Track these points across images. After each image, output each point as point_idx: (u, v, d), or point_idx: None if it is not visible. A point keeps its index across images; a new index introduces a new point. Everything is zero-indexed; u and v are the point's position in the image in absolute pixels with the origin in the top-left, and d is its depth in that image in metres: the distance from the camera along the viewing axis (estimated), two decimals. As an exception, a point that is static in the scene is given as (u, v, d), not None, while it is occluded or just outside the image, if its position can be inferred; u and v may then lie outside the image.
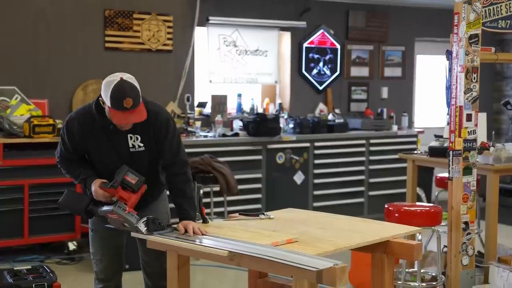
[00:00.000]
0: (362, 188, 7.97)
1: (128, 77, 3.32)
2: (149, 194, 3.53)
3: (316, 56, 8.37)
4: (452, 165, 4.44)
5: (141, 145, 3.44)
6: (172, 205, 3.60)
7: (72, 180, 3.63)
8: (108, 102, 3.25)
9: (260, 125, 7.21)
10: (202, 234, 3.31)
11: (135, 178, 3.39)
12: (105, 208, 3.41)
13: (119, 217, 3.35)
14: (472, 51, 4.40)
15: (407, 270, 4.80)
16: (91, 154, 3.51)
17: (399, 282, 4.63)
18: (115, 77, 3.27)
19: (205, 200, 6.44)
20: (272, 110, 8.09)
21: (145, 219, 3.35)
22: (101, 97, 3.32)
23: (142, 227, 3.33)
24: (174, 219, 3.62)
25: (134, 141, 3.43)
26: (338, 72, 8.53)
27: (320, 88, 8.44)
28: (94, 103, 3.40)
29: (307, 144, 7.57)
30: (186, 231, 3.34)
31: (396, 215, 4.49)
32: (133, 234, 3.38)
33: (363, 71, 8.76)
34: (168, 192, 3.65)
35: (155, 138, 3.44)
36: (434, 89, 9.08)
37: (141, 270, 3.83)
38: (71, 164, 3.56)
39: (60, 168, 3.65)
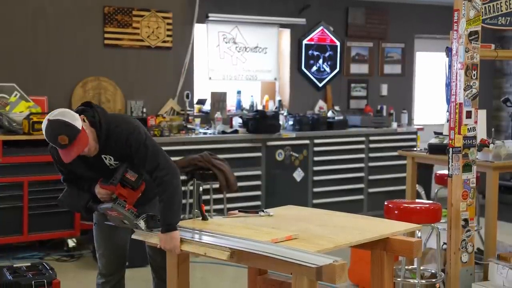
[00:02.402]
0: (361, 185, 7.97)
1: (56, 114, 3.24)
2: (149, 191, 3.52)
3: (315, 53, 8.36)
4: (452, 162, 4.44)
5: (117, 162, 3.44)
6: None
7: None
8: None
9: (260, 122, 7.20)
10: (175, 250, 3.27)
11: (135, 176, 3.39)
12: (104, 205, 3.41)
13: (119, 214, 3.35)
14: (472, 48, 4.40)
15: (406, 267, 4.80)
16: (80, 174, 3.54)
17: (398, 279, 4.63)
18: (44, 121, 3.25)
19: (204, 197, 6.43)
20: (271, 107, 8.08)
21: (145, 216, 3.34)
22: None
23: (142, 224, 3.32)
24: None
25: (109, 160, 3.44)
26: (337, 69, 8.53)
27: (320, 85, 8.43)
28: None
29: (307, 141, 7.56)
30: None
31: (396, 212, 4.49)
32: (134, 236, 3.38)
33: (363, 68, 8.75)
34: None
35: (129, 154, 3.40)
36: (433, 86, 9.07)
37: (141, 267, 3.84)
38: (77, 183, 3.57)
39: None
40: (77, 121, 3.25)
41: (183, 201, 6.43)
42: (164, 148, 3.58)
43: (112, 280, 3.70)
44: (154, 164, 3.36)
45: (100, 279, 3.72)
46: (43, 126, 3.24)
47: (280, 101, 8.18)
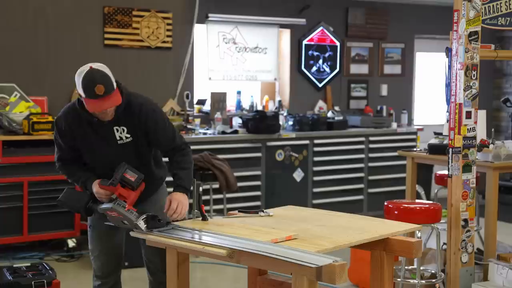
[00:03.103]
0: (361, 186, 7.97)
1: (98, 65, 3.34)
2: (145, 188, 3.51)
3: (315, 53, 8.36)
4: (452, 162, 4.44)
5: (128, 136, 3.45)
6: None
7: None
8: (81, 93, 3.27)
9: (260, 122, 7.20)
10: (178, 216, 3.34)
11: (134, 176, 3.39)
12: (104, 205, 3.41)
13: (119, 215, 3.35)
14: (471, 48, 4.40)
15: (406, 267, 4.81)
16: (82, 151, 3.52)
17: (398, 279, 4.63)
18: (85, 67, 3.31)
19: (204, 197, 6.43)
20: (271, 107, 8.08)
21: (145, 216, 3.34)
22: (77, 91, 3.34)
23: (142, 224, 3.32)
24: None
25: (120, 133, 3.44)
26: (337, 69, 8.53)
27: (320, 85, 8.44)
28: (77, 99, 3.42)
29: (307, 142, 7.56)
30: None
31: (396, 212, 4.49)
32: (132, 233, 3.38)
33: (363, 69, 8.75)
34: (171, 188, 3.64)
35: (145, 129, 3.45)
36: (433, 86, 9.08)
37: (140, 267, 3.83)
38: (71, 167, 3.58)
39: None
40: (114, 80, 3.32)
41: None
42: (164, 148, 3.61)
43: (109, 282, 3.70)
44: (171, 136, 3.49)
45: (97, 281, 3.72)
46: (82, 72, 3.27)
47: (280, 101, 8.18)
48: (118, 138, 3.44)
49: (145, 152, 3.54)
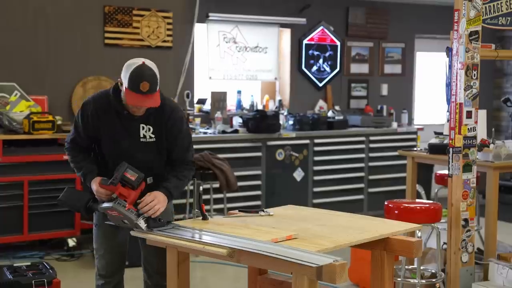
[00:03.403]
0: (361, 185, 7.97)
1: (150, 63, 3.35)
2: (154, 187, 3.51)
3: (316, 53, 8.36)
4: (452, 162, 4.44)
5: (152, 136, 3.48)
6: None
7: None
8: (125, 83, 3.30)
9: (260, 121, 7.20)
10: (150, 211, 3.31)
11: (135, 175, 3.39)
12: (104, 205, 3.40)
13: (119, 214, 3.34)
14: (472, 48, 4.40)
15: (406, 267, 4.80)
16: (102, 139, 3.51)
17: (398, 279, 4.63)
18: (138, 60, 3.33)
19: (204, 196, 6.44)
20: (271, 106, 8.08)
21: (145, 216, 3.34)
22: (120, 78, 3.36)
23: (142, 224, 3.32)
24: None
25: (146, 131, 3.47)
26: (338, 69, 8.53)
27: (320, 85, 8.44)
28: (112, 88, 3.46)
29: (307, 141, 7.56)
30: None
31: (396, 212, 4.49)
32: (133, 233, 3.38)
33: (363, 68, 8.75)
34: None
35: (168, 133, 3.49)
36: (434, 86, 9.08)
37: (141, 267, 3.82)
38: (78, 153, 3.57)
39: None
40: (159, 82, 3.36)
41: (183, 200, 6.50)
42: (164, 147, 3.62)
43: (113, 281, 3.69)
44: (186, 147, 3.54)
45: (100, 280, 3.69)
46: (133, 64, 3.28)
47: (280, 100, 8.18)
48: (142, 135, 3.47)
49: (162, 155, 3.56)
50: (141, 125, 3.46)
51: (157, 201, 3.35)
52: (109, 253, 3.65)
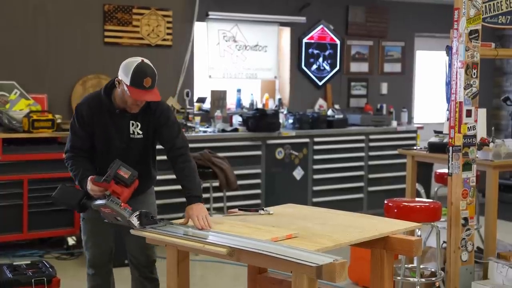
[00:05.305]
0: (361, 184, 7.97)
1: (147, 61, 3.48)
2: (139, 185, 3.54)
3: (315, 51, 8.36)
4: (452, 161, 4.44)
5: (140, 132, 3.59)
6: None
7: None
8: (127, 80, 3.38)
9: (260, 120, 7.20)
10: (209, 227, 3.34)
11: (128, 173, 3.42)
12: (98, 202, 3.42)
13: (112, 211, 3.36)
14: (472, 46, 4.40)
15: (406, 265, 4.81)
16: (97, 140, 3.60)
17: (398, 277, 4.64)
18: (136, 59, 3.45)
19: (204, 195, 6.41)
20: (271, 105, 8.08)
21: (138, 213, 3.36)
22: (118, 78, 3.45)
23: (135, 221, 3.34)
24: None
25: (134, 127, 3.58)
26: (337, 68, 8.52)
27: (320, 83, 8.43)
28: (103, 88, 3.57)
29: (307, 140, 7.56)
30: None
31: (396, 210, 4.49)
32: (133, 232, 3.39)
33: (363, 67, 8.75)
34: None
35: (156, 124, 3.59)
36: (433, 84, 9.07)
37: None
38: (77, 161, 3.61)
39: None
40: None
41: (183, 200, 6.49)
42: (164, 146, 3.67)
43: (102, 271, 3.80)
44: (175, 134, 3.60)
45: (91, 270, 3.81)
46: (133, 62, 3.40)
47: (280, 99, 8.18)
48: (131, 132, 3.58)
49: (149, 151, 3.68)
50: (131, 121, 3.57)
51: (202, 216, 3.39)
52: (96, 245, 3.76)
